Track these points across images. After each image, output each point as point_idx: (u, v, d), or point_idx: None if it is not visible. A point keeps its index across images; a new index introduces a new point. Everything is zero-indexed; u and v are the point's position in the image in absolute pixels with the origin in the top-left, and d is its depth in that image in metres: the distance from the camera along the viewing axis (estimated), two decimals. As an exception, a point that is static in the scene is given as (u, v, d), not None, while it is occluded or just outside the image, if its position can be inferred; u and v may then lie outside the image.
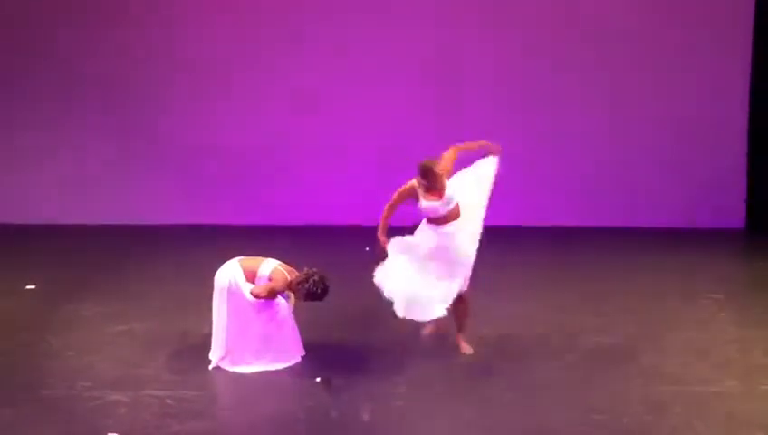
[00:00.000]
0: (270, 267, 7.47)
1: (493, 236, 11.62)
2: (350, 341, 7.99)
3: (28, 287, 9.56)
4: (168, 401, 6.92)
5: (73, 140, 12.24)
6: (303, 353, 7.66)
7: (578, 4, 12.01)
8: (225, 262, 7.65)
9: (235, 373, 7.44)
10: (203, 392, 7.09)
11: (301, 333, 7.67)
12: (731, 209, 12.23)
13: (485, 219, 7.83)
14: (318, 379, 7.26)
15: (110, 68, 12.08)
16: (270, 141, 12.16)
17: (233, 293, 7.46)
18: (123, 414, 6.72)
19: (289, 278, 7.45)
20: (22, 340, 8.15)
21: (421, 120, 12.07)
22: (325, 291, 7.43)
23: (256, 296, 7.40)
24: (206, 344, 7.80)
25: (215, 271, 7.66)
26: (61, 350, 7.91)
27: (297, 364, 7.60)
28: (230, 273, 7.51)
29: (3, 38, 12.08)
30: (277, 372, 7.48)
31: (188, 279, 9.46)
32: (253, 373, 7.43)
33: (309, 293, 7.40)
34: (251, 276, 7.49)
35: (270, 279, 7.42)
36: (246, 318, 7.45)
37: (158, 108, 12.16)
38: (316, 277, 7.40)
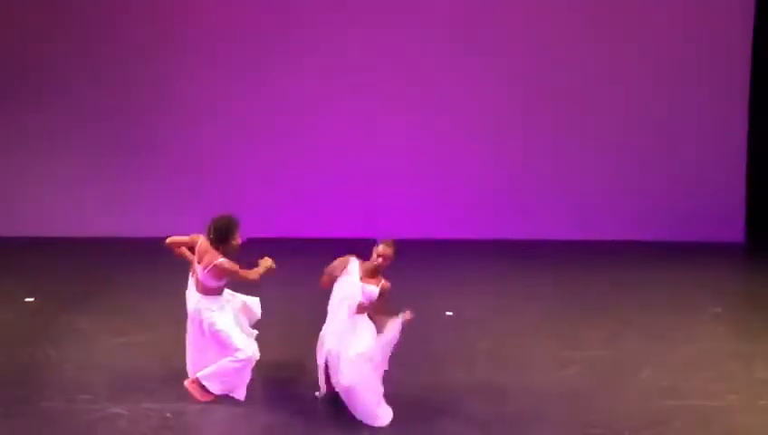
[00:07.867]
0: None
1: (495, 249, 11.73)
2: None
3: (27, 300, 9.56)
4: (167, 414, 6.92)
5: (66, 153, 12.21)
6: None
7: (580, 13, 12.07)
8: None
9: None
10: (201, 405, 7.08)
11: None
12: (730, 223, 12.24)
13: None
14: (317, 393, 7.25)
15: (106, 82, 12.10)
16: (265, 156, 12.16)
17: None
18: (122, 427, 6.71)
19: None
20: (20, 353, 8.14)
21: (418, 136, 12.15)
22: (215, 225, 7.31)
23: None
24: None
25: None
26: (60, 362, 7.91)
27: (296, 379, 7.59)
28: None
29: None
30: (276, 386, 7.47)
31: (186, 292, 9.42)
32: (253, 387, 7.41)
33: (212, 239, 7.33)
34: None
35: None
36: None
37: (152, 122, 12.12)
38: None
